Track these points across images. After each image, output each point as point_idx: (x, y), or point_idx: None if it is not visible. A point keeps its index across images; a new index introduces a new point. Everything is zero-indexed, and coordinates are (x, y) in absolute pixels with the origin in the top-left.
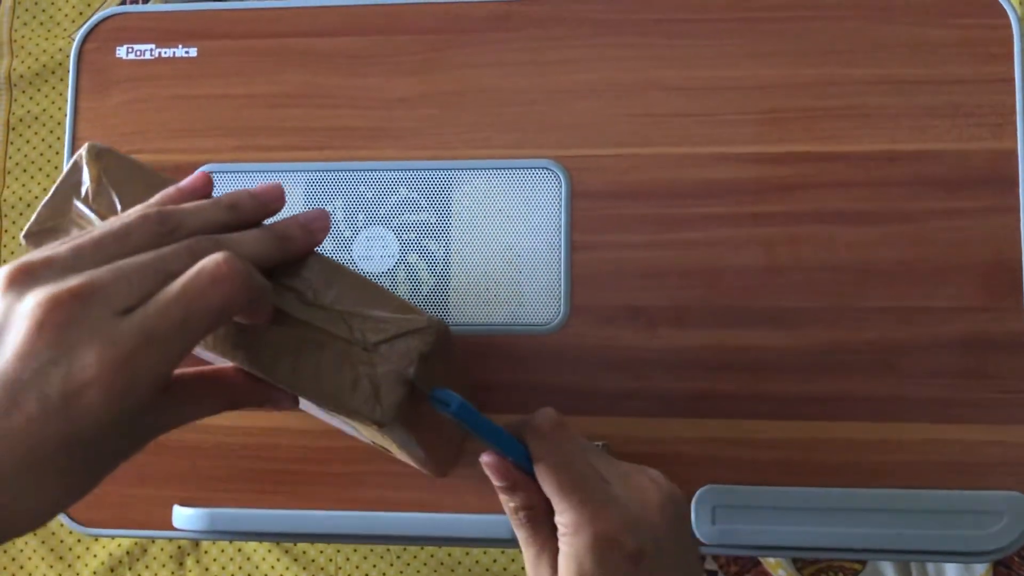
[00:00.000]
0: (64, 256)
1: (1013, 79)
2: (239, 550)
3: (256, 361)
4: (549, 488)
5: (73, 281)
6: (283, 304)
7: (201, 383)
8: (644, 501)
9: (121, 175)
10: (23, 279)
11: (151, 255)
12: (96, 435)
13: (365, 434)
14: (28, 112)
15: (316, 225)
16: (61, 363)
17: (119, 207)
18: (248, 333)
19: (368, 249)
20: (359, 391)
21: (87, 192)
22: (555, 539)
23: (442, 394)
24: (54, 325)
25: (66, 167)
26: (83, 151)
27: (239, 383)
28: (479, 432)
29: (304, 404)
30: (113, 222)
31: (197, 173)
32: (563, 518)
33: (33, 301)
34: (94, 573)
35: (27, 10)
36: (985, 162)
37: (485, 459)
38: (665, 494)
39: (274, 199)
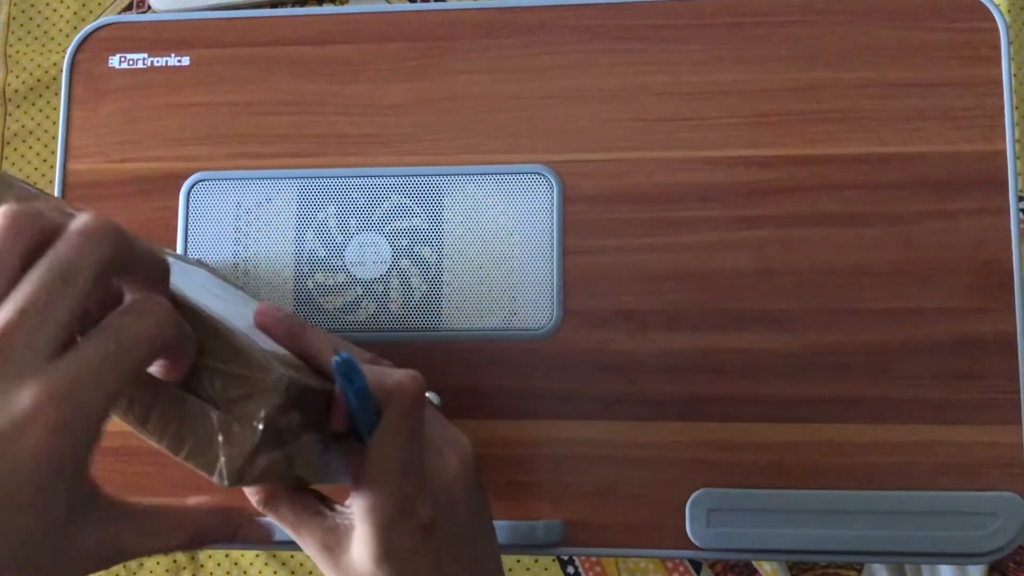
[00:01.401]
0: None
1: (1001, 81)
2: (235, 563)
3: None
4: (379, 463)
5: None
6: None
7: (163, 514)
8: (443, 472)
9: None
10: None
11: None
12: (36, 491)
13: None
14: (23, 127)
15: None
16: None
17: None
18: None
19: (360, 255)
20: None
21: None
22: (324, 515)
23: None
24: None
25: None
26: None
27: (203, 518)
28: (350, 393)
29: None
30: None
31: None
32: (369, 496)
33: None
34: None
35: (22, 25)
36: (975, 164)
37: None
38: (463, 463)
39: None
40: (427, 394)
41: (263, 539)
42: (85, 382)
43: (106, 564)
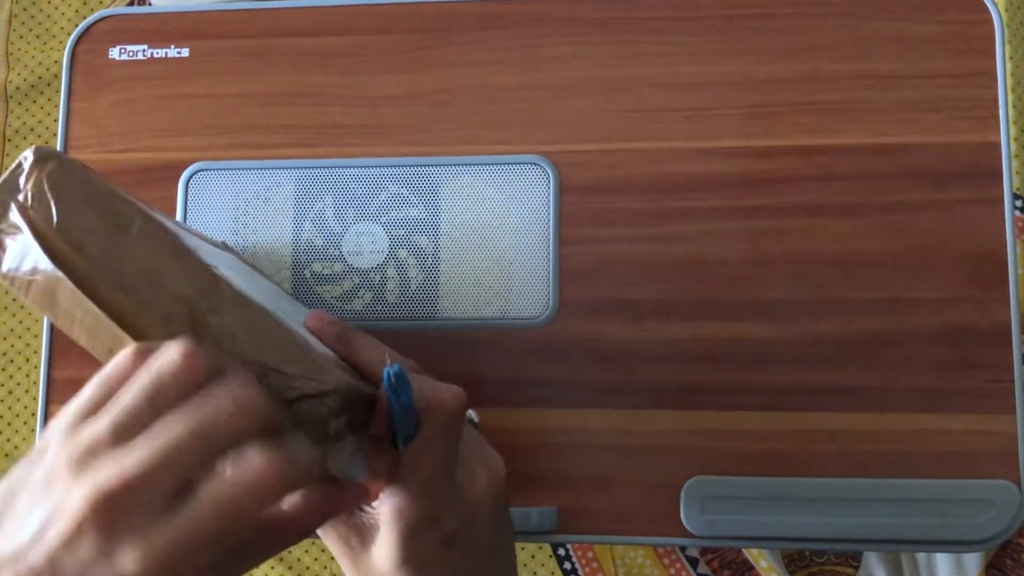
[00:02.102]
0: (105, 438)
1: (995, 73)
2: None
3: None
4: (412, 473)
5: (114, 475)
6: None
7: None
8: (472, 489)
9: (67, 186)
10: (75, 467)
11: (192, 433)
12: None
13: None
14: (24, 124)
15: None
16: (103, 562)
17: (55, 221)
18: None
19: (358, 245)
20: None
21: (24, 199)
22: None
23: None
24: (97, 523)
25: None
26: (28, 152)
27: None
28: (396, 404)
29: None
30: (144, 378)
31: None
32: (399, 502)
33: (80, 495)
34: None
35: (23, 23)
36: (969, 155)
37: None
38: (492, 483)
39: None
40: (468, 412)
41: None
42: (191, 551)
43: None
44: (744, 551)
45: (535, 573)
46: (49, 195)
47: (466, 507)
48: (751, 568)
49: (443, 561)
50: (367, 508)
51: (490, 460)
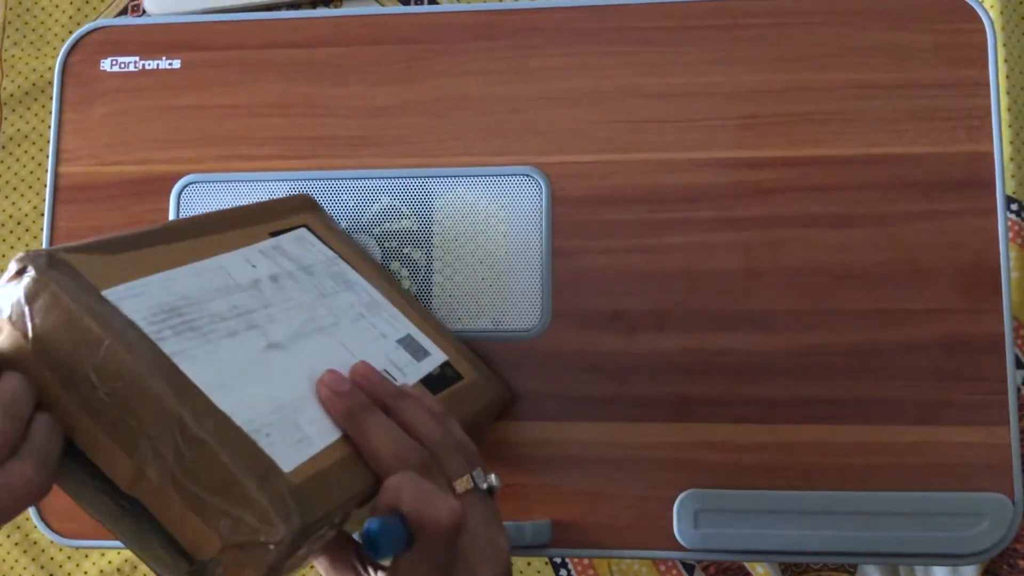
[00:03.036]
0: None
1: (987, 82)
2: None
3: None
4: None
5: None
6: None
7: None
8: None
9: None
10: None
11: None
12: None
13: None
14: (18, 131)
15: None
16: None
17: (31, 344)
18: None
19: None
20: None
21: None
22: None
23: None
24: None
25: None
26: (13, 261)
27: None
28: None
29: None
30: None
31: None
32: None
33: None
34: None
35: (17, 29)
36: (962, 164)
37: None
38: (500, 570)
39: None
40: (491, 477)
41: None
42: None
43: None
44: None
45: None
46: (26, 315)
47: None
48: (748, 574)
49: None
50: (372, 573)
51: (494, 549)
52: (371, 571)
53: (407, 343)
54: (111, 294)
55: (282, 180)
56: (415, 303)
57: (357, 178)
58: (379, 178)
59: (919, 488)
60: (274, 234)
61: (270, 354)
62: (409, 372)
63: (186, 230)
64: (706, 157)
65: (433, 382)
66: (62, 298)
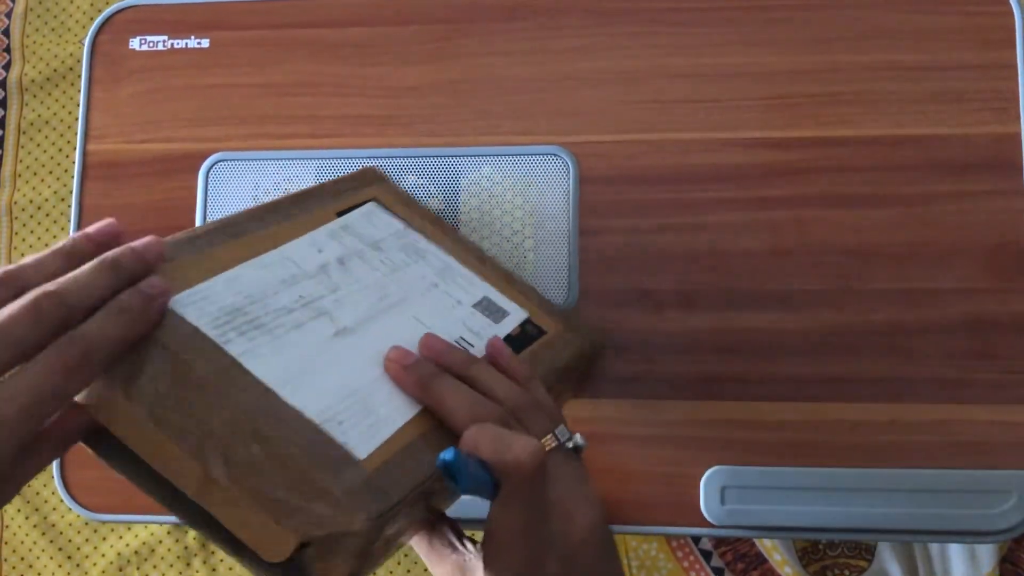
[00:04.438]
0: None
1: (1015, 65)
2: None
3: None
4: (499, 533)
5: None
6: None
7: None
8: (571, 534)
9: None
10: None
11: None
12: None
13: None
14: (39, 116)
15: (154, 288)
16: None
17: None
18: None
19: None
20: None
21: None
22: (456, 549)
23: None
24: None
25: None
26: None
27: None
28: (461, 488)
29: None
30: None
31: (104, 224)
32: (493, 561)
33: None
34: (103, 572)
35: (39, 16)
36: (989, 146)
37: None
38: (592, 524)
39: (155, 255)
40: (575, 436)
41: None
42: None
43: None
44: (757, 543)
45: None
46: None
47: (567, 550)
48: (764, 560)
49: None
50: (470, 548)
51: (587, 501)
52: (468, 545)
53: (484, 306)
54: (174, 303)
55: (310, 159)
56: (493, 262)
57: (384, 157)
58: (406, 157)
59: (945, 466)
60: (341, 213)
61: (339, 340)
62: (487, 336)
63: (251, 222)
64: (733, 137)
65: (514, 341)
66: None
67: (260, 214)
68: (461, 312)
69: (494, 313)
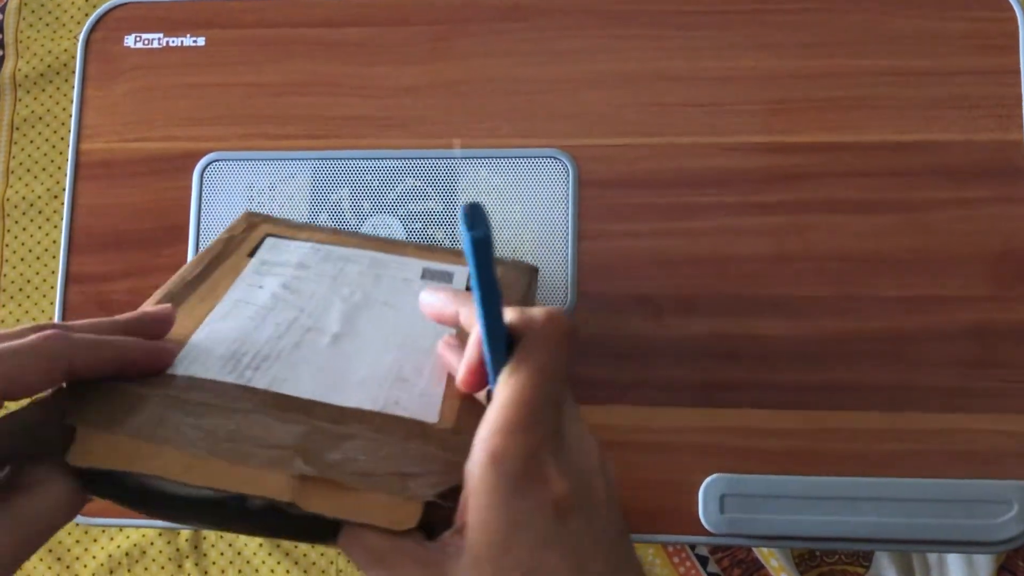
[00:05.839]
0: None
1: (1019, 71)
2: (238, 553)
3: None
4: (506, 402)
5: None
6: None
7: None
8: (585, 454)
9: None
10: None
11: None
12: None
13: None
14: (32, 112)
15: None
16: None
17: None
18: None
19: None
20: None
21: None
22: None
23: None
24: None
25: None
26: None
27: None
28: (480, 285)
29: None
30: None
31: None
32: (490, 445)
33: None
34: (93, 574)
35: (33, 11)
36: (992, 152)
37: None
38: (603, 457)
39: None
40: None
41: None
42: None
43: None
44: (755, 550)
45: None
46: None
47: (577, 475)
48: (761, 567)
49: (556, 539)
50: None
51: (592, 437)
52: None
53: (430, 276)
54: (175, 371)
55: (305, 159)
56: (407, 243)
57: (382, 158)
58: (404, 159)
59: (946, 475)
60: (250, 255)
61: (340, 344)
62: None
63: (182, 289)
64: (735, 142)
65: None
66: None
67: (184, 281)
68: (416, 287)
69: (442, 278)
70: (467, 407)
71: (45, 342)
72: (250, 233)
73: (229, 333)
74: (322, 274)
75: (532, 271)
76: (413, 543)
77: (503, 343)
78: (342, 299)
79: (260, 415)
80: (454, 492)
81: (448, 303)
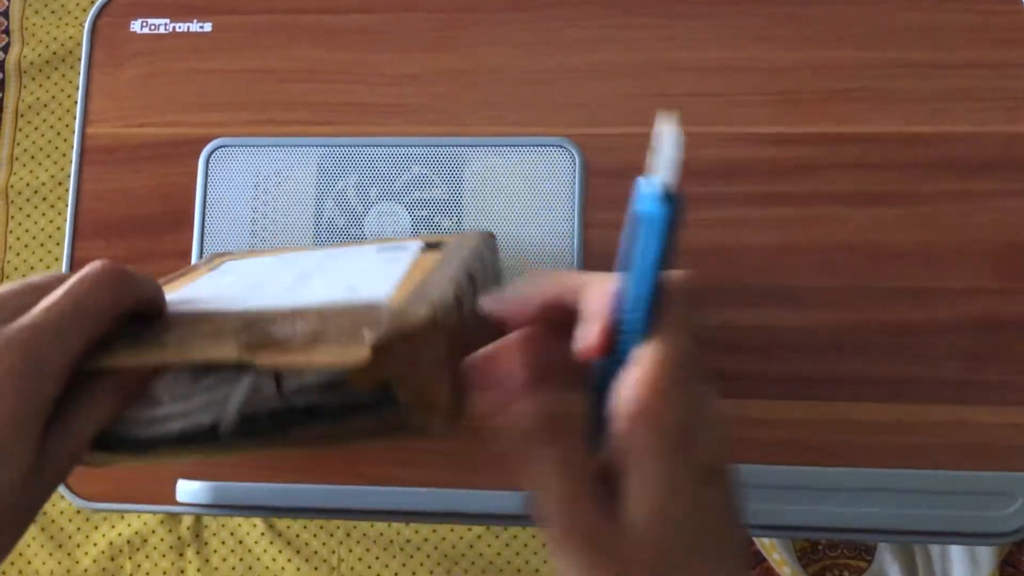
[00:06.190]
0: None
1: None
2: (240, 541)
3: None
4: (660, 364)
5: None
6: None
7: None
8: (720, 422)
9: None
10: None
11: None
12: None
13: None
14: (37, 99)
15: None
16: None
17: None
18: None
19: (380, 225)
20: None
21: None
22: (582, 456)
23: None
24: None
25: None
26: None
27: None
28: (662, 253)
29: None
30: None
31: None
32: (654, 400)
33: None
34: (94, 561)
35: None
36: (999, 145)
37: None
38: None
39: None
40: None
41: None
42: (44, 337)
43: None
44: (757, 543)
45: (548, 560)
46: None
47: (715, 443)
48: (763, 560)
49: (701, 504)
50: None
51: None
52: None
53: (385, 249)
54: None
55: (311, 146)
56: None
57: (388, 145)
58: (410, 146)
59: (950, 467)
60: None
61: (295, 287)
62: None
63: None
64: (741, 132)
65: None
66: None
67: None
68: (370, 251)
69: (400, 249)
70: (421, 286)
71: (105, 268)
72: (212, 261)
73: (187, 295)
74: (284, 270)
75: (491, 237)
76: (587, 508)
77: (654, 305)
78: (297, 268)
79: (207, 317)
80: (404, 347)
81: (565, 283)
